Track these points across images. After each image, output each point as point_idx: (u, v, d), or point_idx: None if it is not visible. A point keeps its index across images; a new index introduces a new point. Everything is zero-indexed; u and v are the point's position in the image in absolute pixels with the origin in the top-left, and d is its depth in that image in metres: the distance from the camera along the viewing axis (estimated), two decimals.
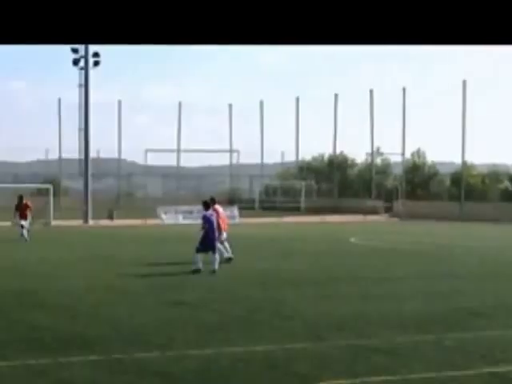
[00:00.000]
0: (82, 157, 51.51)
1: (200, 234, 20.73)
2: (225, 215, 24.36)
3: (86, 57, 49.75)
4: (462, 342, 11.28)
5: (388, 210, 63.54)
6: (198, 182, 77.22)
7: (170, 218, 50.03)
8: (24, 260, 24.04)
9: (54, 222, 45.30)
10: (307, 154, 76.04)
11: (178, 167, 73.87)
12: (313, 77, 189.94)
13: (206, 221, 20.64)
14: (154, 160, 72.44)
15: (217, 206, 23.18)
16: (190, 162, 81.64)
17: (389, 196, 66.48)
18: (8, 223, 42.53)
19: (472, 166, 66.68)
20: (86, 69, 49.94)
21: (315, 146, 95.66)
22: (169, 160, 74.01)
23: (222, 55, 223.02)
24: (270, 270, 20.96)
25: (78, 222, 47.52)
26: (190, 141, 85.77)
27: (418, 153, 71.18)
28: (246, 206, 62.78)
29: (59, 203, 57.02)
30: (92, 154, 53.05)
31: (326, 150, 75.53)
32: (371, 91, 68.41)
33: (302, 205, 67.64)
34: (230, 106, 75.93)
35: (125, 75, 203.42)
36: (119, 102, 71.34)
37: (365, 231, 41.86)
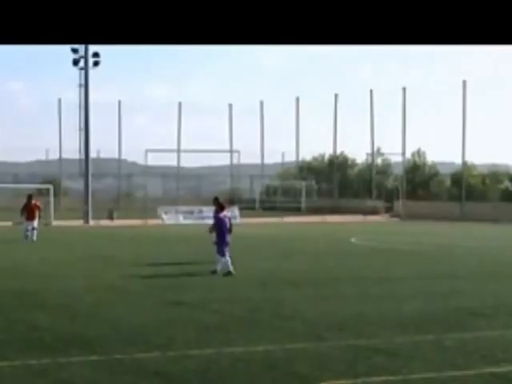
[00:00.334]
0: (82, 157, 51.51)
1: (213, 236, 20.45)
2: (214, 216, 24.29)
3: (85, 57, 49.75)
4: (462, 342, 11.27)
5: (388, 210, 63.55)
6: (198, 182, 77.21)
7: (170, 218, 50.05)
8: (24, 260, 24.04)
9: (54, 223, 45.31)
10: (307, 154, 76.20)
11: (178, 167, 73.83)
12: (313, 77, 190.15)
13: (221, 222, 20.38)
14: (154, 160, 72.37)
15: None
16: (190, 162, 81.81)
17: (389, 196, 66.49)
18: (9, 223, 42.53)
19: (472, 166, 66.71)
20: (86, 69, 49.94)
21: (315, 146, 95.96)
22: (169, 160, 74.04)
23: (222, 55, 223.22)
24: (270, 270, 20.96)
25: (79, 223, 47.53)
26: (190, 141, 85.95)
27: (419, 153, 71.23)
28: (247, 206, 62.81)
29: (59, 203, 57.03)
30: (92, 154, 53.10)
31: (327, 150, 75.69)
32: (371, 91, 68.46)
33: (303, 205, 67.64)
34: (230, 105, 75.97)
35: (125, 75, 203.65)
36: (119, 102, 71.37)
37: (365, 231, 41.85)
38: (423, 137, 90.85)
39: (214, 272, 19.71)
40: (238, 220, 47.34)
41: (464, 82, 60.65)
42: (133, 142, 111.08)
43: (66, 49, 51.07)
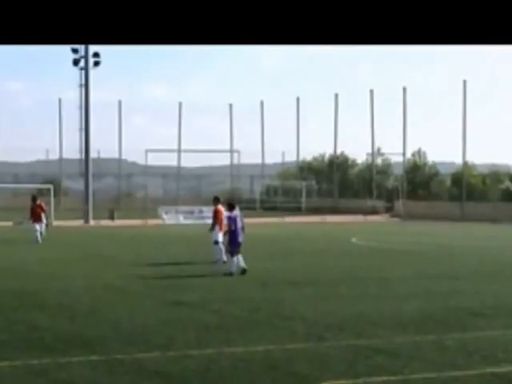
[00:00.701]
0: (83, 157, 51.52)
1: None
2: (226, 216, 24.28)
3: (86, 57, 49.78)
4: (462, 342, 11.27)
5: (388, 210, 63.57)
6: (198, 182, 77.23)
7: (170, 218, 50.08)
8: (24, 260, 24.03)
9: (54, 223, 45.29)
10: (308, 154, 76.20)
11: (179, 167, 73.84)
12: (313, 77, 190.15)
13: (232, 223, 20.38)
14: (154, 160, 72.38)
15: (219, 206, 23.16)
16: (190, 162, 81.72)
17: (389, 196, 66.50)
18: (9, 223, 42.53)
19: (472, 166, 66.71)
20: (86, 69, 49.97)
21: (316, 146, 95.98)
22: (169, 160, 74.09)
23: (222, 55, 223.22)
24: (270, 270, 20.95)
25: (79, 223, 47.53)
26: (191, 141, 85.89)
27: (419, 153, 71.25)
28: (247, 207, 62.77)
29: (59, 203, 57.05)
30: (92, 154, 53.09)
31: (327, 150, 75.73)
32: (371, 91, 68.47)
33: (303, 205, 67.64)
34: (231, 105, 76.00)
35: (125, 75, 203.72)
36: (119, 102, 71.39)
37: (365, 231, 41.85)
38: (423, 137, 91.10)
39: (231, 274, 19.52)
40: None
41: (464, 82, 60.66)
42: (133, 142, 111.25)
43: (66, 49, 51.17)
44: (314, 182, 73.28)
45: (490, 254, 27.82)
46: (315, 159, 77.78)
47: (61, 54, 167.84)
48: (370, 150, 70.13)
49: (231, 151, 75.18)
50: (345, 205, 65.64)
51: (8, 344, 10.97)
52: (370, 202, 65.45)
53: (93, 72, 50.27)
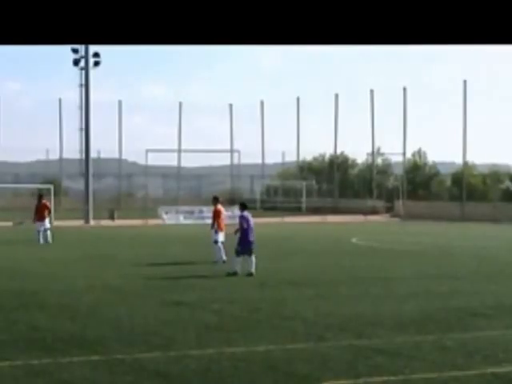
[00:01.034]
0: (83, 157, 51.53)
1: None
2: (225, 215, 24.34)
3: (86, 57, 49.80)
4: (462, 342, 11.27)
5: (389, 210, 63.56)
6: (198, 182, 77.25)
7: (171, 218, 50.08)
8: (24, 260, 24.04)
9: (54, 223, 45.27)
10: (308, 154, 76.17)
11: (179, 167, 73.86)
12: (313, 77, 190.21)
13: (245, 221, 20.39)
14: (154, 160, 72.34)
15: (219, 206, 23.19)
16: (190, 162, 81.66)
17: (389, 196, 66.50)
18: (9, 223, 42.56)
19: (473, 166, 66.68)
20: (86, 69, 49.98)
21: (316, 146, 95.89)
22: (169, 160, 74.07)
23: (222, 55, 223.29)
24: (270, 270, 20.95)
25: (79, 223, 47.54)
26: (191, 141, 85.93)
27: (419, 153, 71.24)
28: (247, 207, 62.69)
29: (60, 203, 57.05)
30: (92, 154, 53.10)
31: (327, 150, 75.68)
32: (371, 91, 68.46)
33: (303, 205, 67.65)
34: (231, 105, 76.04)
35: (125, 75, 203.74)
36: (119, 102, 71.40)
37: (366, 231, 41.86)
38: (424, 137, 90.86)
39: (251, 275, 19.44)
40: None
41: (464, 82, 60.66)
42: (133, 142, 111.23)
43: (66, 49, 51.25)
44: (314, 182, 73.28)
45: (490, 254, 27.82)
46: (315, 159, 77.78)
47: (61, 53, 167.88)
48: (370, 150, 70.20)
49: (231, 151, 75.26)
50: (345, 205, 65.64)
51: (8, 344, 10.97)
52: (370, 202, 65.45)
53: (93, 72, 50.34)
